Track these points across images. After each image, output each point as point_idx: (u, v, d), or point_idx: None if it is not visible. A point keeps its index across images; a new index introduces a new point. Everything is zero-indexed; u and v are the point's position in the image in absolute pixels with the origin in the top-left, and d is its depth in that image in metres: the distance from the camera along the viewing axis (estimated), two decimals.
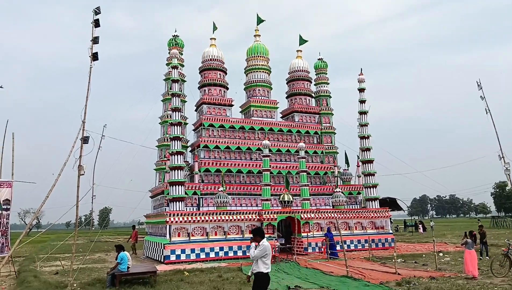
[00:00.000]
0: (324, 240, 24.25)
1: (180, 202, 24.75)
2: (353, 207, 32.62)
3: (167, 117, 33.02)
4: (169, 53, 35.01)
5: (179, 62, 33.35)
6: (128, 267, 14.78)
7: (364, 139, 31.13)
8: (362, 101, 31.72)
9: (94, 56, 15.06)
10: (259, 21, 37.48)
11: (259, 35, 37.92)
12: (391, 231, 30.71)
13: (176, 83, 26.90)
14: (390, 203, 38.70)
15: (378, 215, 29.22)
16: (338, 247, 23.85)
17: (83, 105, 14.21)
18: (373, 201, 30.18)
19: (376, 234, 28.63)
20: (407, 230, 56.05)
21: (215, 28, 36.27)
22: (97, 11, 15.16)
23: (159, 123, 34.69)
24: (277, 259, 21.08)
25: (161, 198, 29.64)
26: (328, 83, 38.25)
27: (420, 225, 52.35)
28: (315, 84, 38.48)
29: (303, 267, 18.93)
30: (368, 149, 30.89)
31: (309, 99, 37.36)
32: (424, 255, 22.13)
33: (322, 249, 24.52)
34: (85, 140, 14.27)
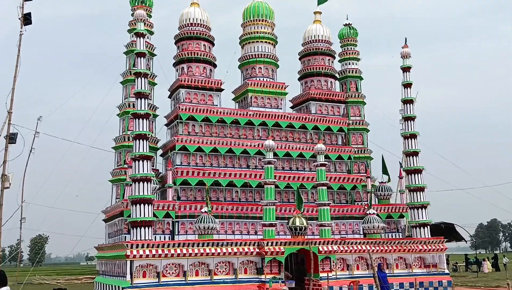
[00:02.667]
0: (351, 284, 24.21)
1: (147, 228, 24.71)
2: (394, 237, 32.64)
3: (128, 106, 33.03)
4: (132, 15, 35.04)
5: (147, 28, 33.35)
6: None
7: (409, 139, 31.11)
8: (406, 85, 31.74)
9: (26, 18, 15.10)
10: None
11: None
12: (447, 271, 30.62)
13: (142, 58, 26.87)
14: (446, 231, 38.69)
15: (429, 247, 29.17)
16: None
17: (9, 88, 14.25)
18: (422, 228, 30.16)
19: (427, 275, 28.55)
20: (471, 269, 56.05)
21: None
22: None
23: (117, 114, 34.70)
24: None
25: (119, 222, 29.63)
26: (358, 59, 38.36)
27: (484, 262, 52.47)
28: (340, 61, 38.60)
29: None
30: (415, 154, 30.88)
31: (331, 82, 37.43)
32: None
33: None
34: (11, 138, 14.29)
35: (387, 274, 24.48)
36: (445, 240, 30.91)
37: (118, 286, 23.72)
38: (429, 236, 30.19)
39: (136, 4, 34.35)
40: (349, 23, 38.80)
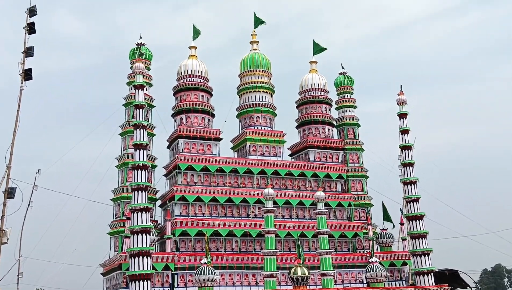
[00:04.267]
0: None
1: (146, 281, 24.21)
2: (397, 285, 32.04)
3: (127, 157, 33.04)
4: (131, 68, 35.57)
5: (146, 80, 33.81)
6: None
7: (409, 185, 30.96)
8: (404, 131, 31.88)
9: (26, 74, 15.30)
10: (257, 22, 38.58)
11: (257, 42, 38.84)
12: None
13: (141, 110, 27.12)
14: (450, 278, 37.99)
15: None
16: None
17: (8, 143, 14.29)
18: (425, 276, 29.59)
19: None
20: None
21: (196, 32, 37.18)
22: (32, 11, 15.58)
23: (116, 166, 34.64)
24: None
25: (117, 275, 29.08)
26: (355, 107, 38.75)
27: None
28: (336, 108, 38.99)
29: None
30: (416, 200, 30.67)
31: (328, 129, 37.67)
32: None
33: None
34: (9, 193, 14.20)
35: None
36: (450, 287, 30.30)
37: None
38: (433, 284, 29.60)
39: (135, 58, 34.93)
40: (344, 72, 39.42)
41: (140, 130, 26.68)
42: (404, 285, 31.55)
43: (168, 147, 35.49)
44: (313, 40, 39.02)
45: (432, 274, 29.87)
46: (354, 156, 37.08)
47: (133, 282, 24.18)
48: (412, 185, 30.95)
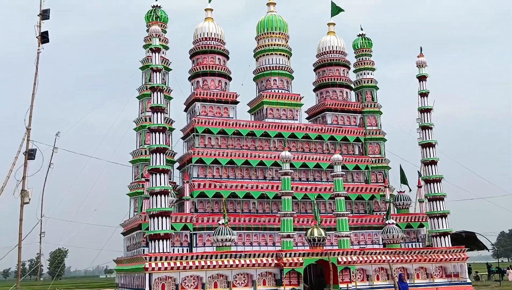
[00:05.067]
0: None
1: (165, 240, 24.74)
2: (414, 246, 32.24)
3: (145, 120, 33.27)
4: (147, 31, 35.45)
5: (162, 44, 33.70)
6: None
7: (427, 148, 30.82)
8: (423, 94, 31.57)
9: (43, 37, 15.34)
10: None
11: (274, 3, 38.21)
12: (469, 281, 30.12)
13: (157, 73, 27.10)
14: (467, 240, 38.15)
15: (450, 257, 28.83)
16: None
17: (27, 105, 14.47)
18: (442, 237, 29.79)
19: (448, 285, 28.27)
20: (493, 278, 55.09)
21: None
22: None
23: (134, 129, 34.97)
24: None
25: (137, 235, 29.73)
26: (373, 69, 38.26)
27: (509, 270, 51.66)
28: (355, 71, 38.51)
29: None
30: (434, 163, 30.57)
31: (346, 92, 37.32)
32: None
33: None
34: (30, 154, 14.46)
35: (408, 284, 24.21)
36: (466, 249, 30.50)
37: None
38: (450, 245, 29.78)
39: (151, 20, 34.69)
40: (363, 33, 38.78)
41: (157, 93, 26.75)
42: (421, 246, 31.71)
43: (185, 110, 35.59)
44: (331, 1, 38.28)
45: (449, 236, 30.06)
46: (372, 119, 36.83)
47: (152, 241, 24.73)
48: (431, 147, 30.79)
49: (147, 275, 23.21)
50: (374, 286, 26.55)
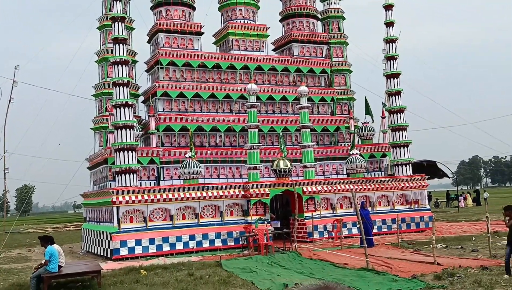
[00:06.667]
0: (335, 222, 24.89)
1: (132, 174, 24.86)
2: (376, 175, 33.27)
3: (107, 52, 32.40)
4: None
5: None
6: (60, 266, 15.01)
7: (392, 79, 31.19)
8: (389, 24, 31.47)
9: None
10: None
11: None
12: (429, 207, 31.51)
13: (117, 1, 26.12)
14: (428, 169, 39.55)
15: (411, 185, 29.86)
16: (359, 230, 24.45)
17: None
18: (404, 166, 30.78)
19: (408, 211, 29.38)
20: (452, 205, 57.93)
21: None
22: None
23: (95, 61, 34.05)
24: (270, 249, 21.65)
25: (103, 169, 29.68)
26: None
27: (461, 197, 54.46)
28: (321, 1, 37.88)
29: (307, 258, 19.53)
30: (397, 93, 31.05)
31: (313, 23, 36.85)
32: (474, 238, 22.97)
33: (333, 233, 25.20)
34: None
35: (370, 211, 25.16)
36: (427, 177, 31.59)
37: (106, 232, 24.05)
38: (411, 174, 30.82)
39: None
40: None
41: (118, 23, 25.88)
42: (383, 175, 32.74)
43: (149, 42, 34.64)
44: None
45: (410, 165, 31.06)
46: (338, 50, 36.73)
47: (119, 175, 24.79)
48: (395, 78, 31.15)
49: (114, 208, 23.42)
50: (338, 214, 27.47)
